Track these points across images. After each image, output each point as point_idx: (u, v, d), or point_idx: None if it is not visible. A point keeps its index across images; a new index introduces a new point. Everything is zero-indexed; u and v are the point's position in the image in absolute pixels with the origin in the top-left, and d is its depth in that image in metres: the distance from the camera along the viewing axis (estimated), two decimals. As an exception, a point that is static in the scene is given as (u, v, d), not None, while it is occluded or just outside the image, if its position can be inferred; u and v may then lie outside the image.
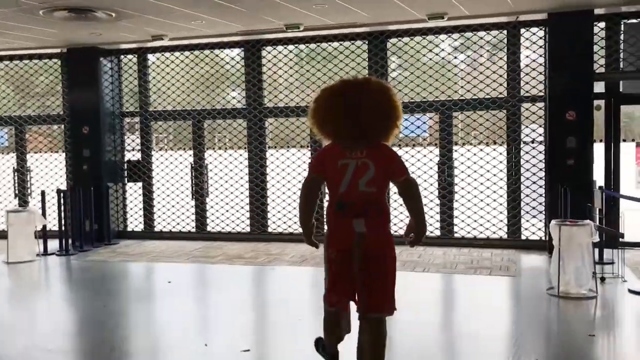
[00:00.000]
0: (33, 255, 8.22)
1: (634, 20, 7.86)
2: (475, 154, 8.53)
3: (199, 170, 9.70)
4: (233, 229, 9.58)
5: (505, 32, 8.32)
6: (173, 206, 9.84)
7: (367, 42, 8.84)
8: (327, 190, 3.76)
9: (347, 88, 3.71)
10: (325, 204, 3.84)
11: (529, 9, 7.67)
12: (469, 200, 8.59)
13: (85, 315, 5.80)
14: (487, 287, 6.50)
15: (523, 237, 8.43)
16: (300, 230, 3.76)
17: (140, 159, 9.93)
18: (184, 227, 9.80)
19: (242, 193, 9.55)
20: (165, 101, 9.82)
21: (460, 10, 7.54)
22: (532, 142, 8.33)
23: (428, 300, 6.29)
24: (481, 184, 8.53)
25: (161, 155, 10.04)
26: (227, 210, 9.62)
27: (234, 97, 9.61)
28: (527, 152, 8.35)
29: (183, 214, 9.84)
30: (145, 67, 9.84)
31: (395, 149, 8.73)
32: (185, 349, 4.67)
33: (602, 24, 7.87)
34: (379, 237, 3.62)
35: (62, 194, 8.79)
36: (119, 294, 6.69)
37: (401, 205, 3.85)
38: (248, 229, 9.52)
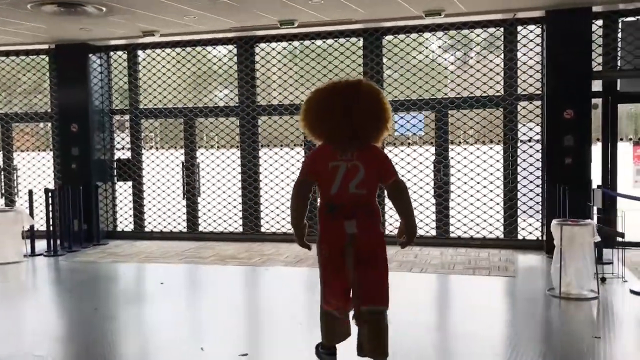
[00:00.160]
0: (20, 256, 8.01)
1: (632, 19, 7.79)
2: (471, 153, 8.43)
3: (190, 169, 9.52)
4: (225, 229, 9.41)
5: (502, 29, 8.23)
6: (164, 206, 9.65)
7: (362, 39, 8.71)
8: (318, 192, 3.82)
9: (338, 90, 3.79)
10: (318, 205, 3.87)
11: (527, 6, 7.58)
12: (465, 200, 8.49)
13: (74, 319, 5.61)
14: (486, 288, 6.39)
15: (520, 237, 8.34)
16: (293, 231, 3.82)
17: (130, 157, 9.74)
18: (175, 227, 9.62)
19: (234, 192, 9.39)
20: (156, 98, 9.63)
21: (457, 7, 7.43)
22: (529, 140, 8.24)
23: (427, 301, 6.19)
24: (477, 183, 8.43)
25: (152, 154, 9.85)
26: (219, 210, 9.45)
27: (226, 95, 9.43)
28: (524, 151, 8.26)
29: (174, 213, 9.66)
30: (136, 64, 9.65)
31: (390, 147, 8.79)
32: (180, 354, 4.51)
33: (600, 22, 7.80)
34: (370, 238, 3.70)
35: (50, 193, 8.60)
36: (109, 296, 6.50)
37: (392, 208, 3.89)
38: (240, 229, 9.36)
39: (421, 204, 8.61)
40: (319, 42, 8.89)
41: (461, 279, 6.68)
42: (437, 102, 8.54)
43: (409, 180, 8.51)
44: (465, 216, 8.49)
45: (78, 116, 9.39)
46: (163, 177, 9.66)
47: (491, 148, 8.41)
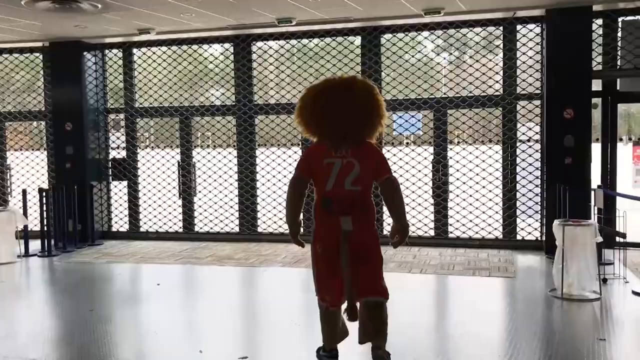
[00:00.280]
0: (14, 257, 7.90)
1: (632, 18, 7.75)
2: (470, 153, 8.37)
3: (186, 169, 9.42)
4: (222, 229, 9.32)
5: (501, 28, 8.18)
6: (159, 206, 9.55)
7: (360, 38, 8.63)
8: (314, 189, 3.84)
9: (332, 87, 3.82)
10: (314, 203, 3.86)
11: (527, 5, 7.52)
12: (464, 200, 8.42)
13: (70, 321, 5.50)
14: (487, 289, 6.33)
15: (519, 237, 8.28)
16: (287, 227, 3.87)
17: (125, 156, 9.63)
18: (170, 228, 9.51)
19: (231, 192, 9.29)
20: (152, 97, 9.52)
21: (457, 6, 7.36)
22: (528, 140, 8.19)
23: (428, 303, 6.13)
24: (476, 183, 8.37)
25: (147, 153, 9.74)
26: (215, 210, 9.36)
27: (222, 94, 9.34)
28: (523, 151, 8.20)
29: (170, 213, 9.56)
30: (131, 62, 9.53)
31: (388, 147, 8.71)
32: (178, 357, 4.43)
33: (600, 21, 7.75)
34: (365, 235, 3.73)
35: (44, 193, 8.48)
36: (105, 297, 6.39)
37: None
38: (237, 229, 9.26)
39: (419, 204, 8.54)
40: (316, 40, 8.80)
41: (461, 279, 6.61)
42: (435, 101, 8.47)
43: (407, 180, 8.45)
44: (464, 216, 8.43)
45: (72, 115, 9.27)
46: (159, 176, 9.55)
47: (490, 148, 8.35)
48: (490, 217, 8.34)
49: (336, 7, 7.40)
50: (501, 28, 8.16)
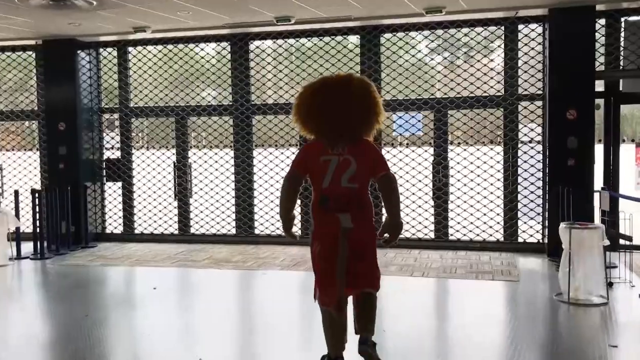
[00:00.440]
0: (5, 259, 7.72)
1: (635, 18, 7.66)
2: (471, 154, 8.25)
3: (182, 170, 9.26)
4: (218, 231, 9.16)
5: (503, 28, 8.07)
6: (155, 207, 9.38)
7: (359, 37, 8.50)
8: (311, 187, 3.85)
9: (328, 85, 3.82)
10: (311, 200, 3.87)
11: (530, 4, 7.42)
12: (464, 202, 8.30)
13: (63, 326, 5.32)
14: (491, 293, 6.22)
15: (520, 240, 8.17)
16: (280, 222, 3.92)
17: (119, 157, 9.46)
18: (166, 229, 9.35)
19: (227, 194, 9.14)
20: (147, 97, 9.35)
21: (459, 4, 7.25)
22: (530, 141, 8.08)
23: (432, 307, 6.02)
24: (477, 184, 8.25)
25: (142, 154, 9.56)
26: (211, 212, 9.20)
27: (219, 94, 9.18)
28: (524, 152, 8.10)
29: (165, 215, 9.39)
30: (126, 61, 9.37)
31: (388, 148, 8.58)
32: (177, 364, 4.28)
33: (602, 21, 7.66)
34: (362, 233, 3.73)
35: (36, 194, 8.30)
36: (100, 301, 6.22)
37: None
38: (234, 231, 9.11)
39: (420, 206, 8.42)
40: (315, 39, 8.66)
41: (464, 283, 6.48)
42: (436, 101, 8.35)
43: (407, 181, 8.33)
44: (464, 218, 8.31)
45: (66, 114, 9.09)
46: (154, 177, 9.38)
47: (491, 149, 8.24)
48: (491, 219, 8.22)
49: (336, 6, 7.27)
50: (503, 28, 8.05)
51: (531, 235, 8.12)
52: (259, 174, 9.06)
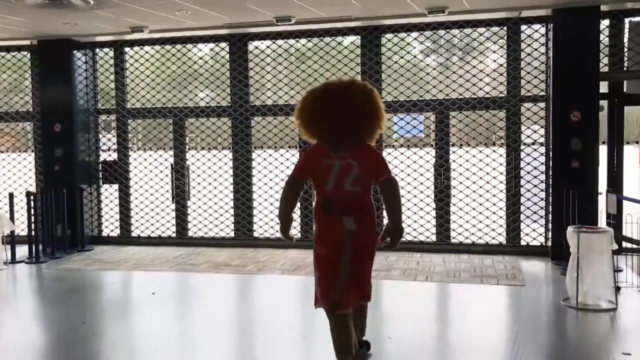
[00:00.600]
0: (0, 264, 7.56)
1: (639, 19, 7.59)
2: (473, 156, 8.15)
3: (180, 172, 9.12)
4: (217, 234, 9.03)
5: (505, 28, 7.97)
6: (152, 210, 9.23)
7: (360, 38, 8.39)
8: (314, 191, 3.96)
9: (331, 90, 3.89)
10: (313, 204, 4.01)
11: (533, 4, 7.32)
12: (467, 205, 8.20)
13: (60, 333, 5.18)
14: (497, 298, 6.12)
15: (523, 243, 8.08)
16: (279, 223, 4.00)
17: (116, 159, 9.31)
18: (163, 232, 9.20)
19: (226, 196, 9.00)
20: (144, 98, 9.21)
21: (462, 5, 7.15)
22: (533, 143, 7.99)
23: (437, 312, 5.90)
24: (480, 187, 8.15)
25: (139, 156, 9.42)
26: (210, 215, 9.06)
27: (218, 95, 9.04)
28: (527, 154, 8.00)
29: (163, 217, 9.24)
30: (123, 62, 9.22)
31: (389, 150, 8.47)
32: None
33: (606, 22, 7.58)
34: (366, 236, 3.78)
35: (31, 197, 8.15)
36: (97, 307, 6.07)
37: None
38: (232, 234, 8.97)
39: (421, 209, 8.31)
40: (315, 40, 8.54)
41: (469, 288, 6.37)
42: (438, 103, 8.25)
43: (408, 184, 8.22)
44: (467, 221, 8.21)
45: (61, 116, 8.93)
46: (151, 179, 9.23)
47: (494, 151, 8.14)
48: (494, 222, 8.12)
49: (338, 6, 7.16)
50: (505, 28, 7.96)
51: (534, 239, 8.03)
52: (257, 176, 8.93)
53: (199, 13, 7.35)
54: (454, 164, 8.25)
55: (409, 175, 8.27)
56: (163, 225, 9.21)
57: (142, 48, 9.12)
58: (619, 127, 7.76)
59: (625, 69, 7.63)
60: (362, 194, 3.77)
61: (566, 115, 7.41)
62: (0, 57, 9.60)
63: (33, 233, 8.09)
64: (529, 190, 7.96)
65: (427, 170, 8.29)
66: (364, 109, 3.81)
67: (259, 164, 8.92)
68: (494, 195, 8.12)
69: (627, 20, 7.61)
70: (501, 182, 8.14)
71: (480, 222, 8.16)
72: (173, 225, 9.21)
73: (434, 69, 8.36)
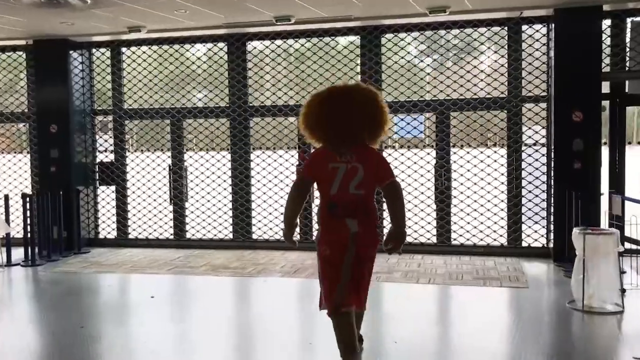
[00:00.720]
0: (-5, 267, 7.48)
1: (642, 18, 7.54)
2: (474, 157, 8.08)
3: (177, 173, 9.02)
4: (215, 236, 8.93)
5: (506, 28, 7.91)
6: (149, 211, 9.13)
7: (360, 38, 8.31)
8: (317, 193, 3.98)
9: (335, 94, 3.94)
10: (316, 206, 4.12)
11: (535, 4, 7.27)
12: (468, 206, 8.13)
13: (56, 338, 5.06)
14: (500, 300, 6.05)
15: (524, 245, 8.01)
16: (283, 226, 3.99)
17: (113, 160, 9.20)
18: (161, 234, 9.10)
19: (224, 197, 8.91)
20: (142, 98, 9.11)
21: (463, 4, 7.09)
22: (534, 144, 7.93)
23: (442, 316, 5.82)
24: (481, 188, 8.08)
25: (136, 157, 9.31)
26: (208, 216, 8.96)
27: (216, 95, 8.95)
28: (529, 155, 7.94)
29: (160, 219, 9.14)
30: (120, 62, 9.12)
31: (390, 150, 8.39)
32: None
33: (608, 22, 7.53)
34: (368, 238, 3.82)
35: (27, 198, 8.03)
36: (94, 310, 5.97)
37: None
38: (231, 236, 8.88)
39: (422, 210, 8.24)
40: (314, 40, 8.46)
41: (472, 290, 6.28)
42: (438, 103, 8.19)
43: (409, 185, 8.14)
44: (468, 222, 8.14)
45: (57, 116, 8.82)
46: (148, 181, 9.13)
47: (495, 152, 8.08)
48: (495, 223, 8.06)
49: (338, 5, 7.09)
50: (506, 28, 7.90)
51: (536, 240, 7.97)
52: (256, 177, 8.85)
53: (198, 12, 7.26)
54: (454, 165, 8.18)
55: (409, 176, 8.19)
56: (161, 227, 9.11)
57: (139, 48, 9.02)
58: (621, 128, 7.71)
59: (627, 69, 7.58)
60: (366, 197, 3.81)
61: (568, 115, 7.36)
62: (-5, 57, 9.49)
63: (29, 235, 7.97)
64: (530, 192, 7.90)
65: (428, 171, 8.22)
66: (366, 111, 3.84)
67: (257, 165, 8.83)
68: (495, 197, 8.06)
69: (629, 20, 7.56)
70: (502, 183, 8.08)
71: (482, 223, 8.10)
72: (171, 227, 9.11)
73: (435, 69, 8.30)
